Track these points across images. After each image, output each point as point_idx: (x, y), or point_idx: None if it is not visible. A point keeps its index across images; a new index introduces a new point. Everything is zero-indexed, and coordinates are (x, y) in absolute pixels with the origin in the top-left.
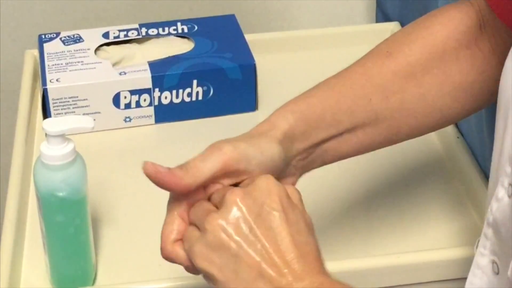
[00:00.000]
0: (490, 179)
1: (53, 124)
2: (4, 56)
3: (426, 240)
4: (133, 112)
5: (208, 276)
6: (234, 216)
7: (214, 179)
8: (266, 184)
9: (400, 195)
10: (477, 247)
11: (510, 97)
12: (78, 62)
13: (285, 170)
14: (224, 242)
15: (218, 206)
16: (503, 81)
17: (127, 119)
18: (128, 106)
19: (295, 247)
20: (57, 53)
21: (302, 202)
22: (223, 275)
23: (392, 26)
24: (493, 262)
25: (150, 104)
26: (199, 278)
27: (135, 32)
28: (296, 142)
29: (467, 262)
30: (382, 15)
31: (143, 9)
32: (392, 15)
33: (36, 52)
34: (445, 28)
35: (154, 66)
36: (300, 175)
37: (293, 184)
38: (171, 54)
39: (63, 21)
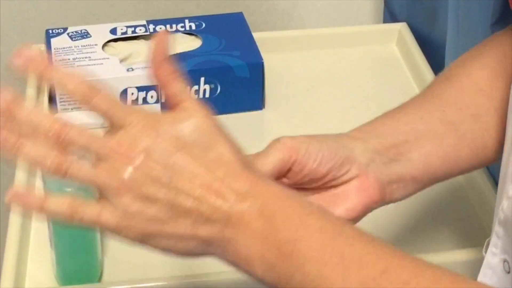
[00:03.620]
0: (500, 177)
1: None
2: (11, 50)
3: (433, 242)
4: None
5: (147, 238)
6: (146, 180)
7: (280, 173)
8: (137, 133)
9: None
10: (486, 249)
11: None
12: (86, 57)
13: (361, 166)
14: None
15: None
16: None
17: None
18: (135, 102)
19: (212, 172)
20: (64, 48)
21: (189, 110)
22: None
23: (400, 27)
24: (504, 261)
25: (157, 101)
26: (206, 276)
27: (143, 29)
28: (376, 140)
29: (474, 264)
30: (390, 15)
31: (150, 6)
32: (399, 16)
33: (42, 47)
34: (497, 50)
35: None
36: (383, 181)
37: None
38: (178, 51)
39: (70, 17)
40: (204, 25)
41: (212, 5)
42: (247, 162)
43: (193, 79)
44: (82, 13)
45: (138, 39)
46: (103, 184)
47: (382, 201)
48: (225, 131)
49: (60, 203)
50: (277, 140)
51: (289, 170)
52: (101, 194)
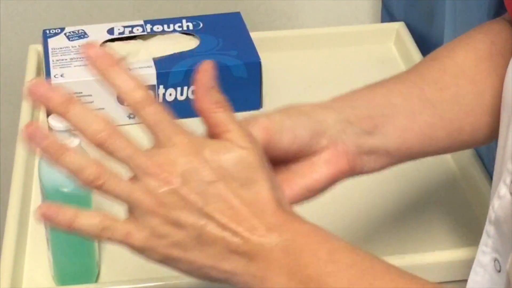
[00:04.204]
0: (494, 177)
1: (59, 120)
2: (8, 51)
3: (430, 241)
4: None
5: (169, 261)
6: (178, 206)
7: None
8: (180, 156)
9: (404, 196)
10: None
11: None
12: (83, 58)
13: (335, 135)
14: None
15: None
16: (507, 80)
17: (131, 116)
18: None
19: (247, 207)
20: (61, 48)
21: (234, 142)
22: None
23: (397, 26)
24: (495, 260)
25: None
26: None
27: (140, 29)
28: (350, 111)
29: (472, 263)
30: (387, 15)
31: (148, 6)
32: (397, 15)
33: (40, 47)
34: (486, 36)
35: (159, 62)
36: (354, 152)
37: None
38: (175, 51)
39: (67, 17)
40: (201, 25)
41: (209, 5)
42: (281, 200)
43: (191, 79)
44: (79, 13)
45: (136, 39)
46: (137, 201)
47: (352, 172)
48: (266, 166)
49: (91, 221)
50: (254, 120)
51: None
52: (130, 212)
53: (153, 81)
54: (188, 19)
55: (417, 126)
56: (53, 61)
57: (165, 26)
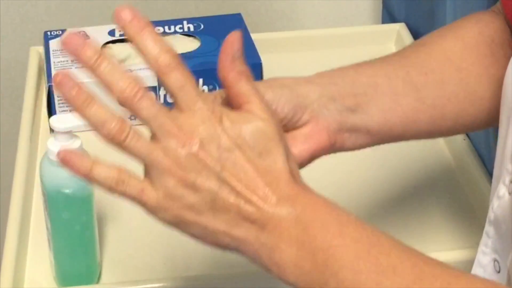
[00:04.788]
0: (493, 177)
1: (60, 121)
2: (9, 52)
3: (430, 242)
4: None
5: (182, 224)
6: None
7: None
8: (201, 121)
9: (405, 196)
10: None
11: None
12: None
13: (316, 110)
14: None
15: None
16: (506, 80)
17: (133, 117)
18: None
19: (262, 176)
20: (63, 50)
21: (248, 112)
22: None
23: (398, 27)
24: (495, 260)
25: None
26: (204, 277)
27: None
28: (334, 88)
29: (472, 264)
30: (388, 16)
31: (149, 7)
32: (398, 16)
33: (41, 49)
34: (475, 26)
35: None
36: (335, 129)
37: (329, 130)
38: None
39: (68, 18)
40: (202, 26)
41: (210, 7)
42: (294, 172)
43: None
44: (80, 14)
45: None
46: (155, 161)
47: (331, 148)
48: (282, 138)
49: (108, 171)
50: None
51: None
52: (147, 172)
53: (154, 82)
54: (189, 20)
55: (400, 108)
56: (54, 62)
57: (166, 27)
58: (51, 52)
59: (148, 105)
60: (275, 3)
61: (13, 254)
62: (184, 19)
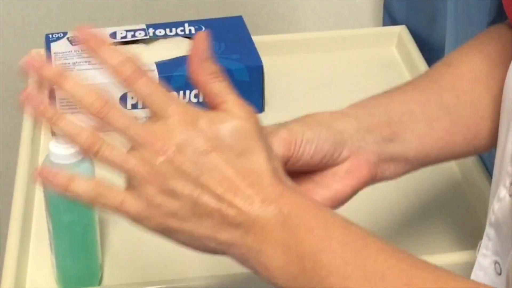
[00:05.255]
0: (493, 180)
1: None
2: (10, 55)
3: (432, 244)
4: (140, 112)
5: (167, 231)
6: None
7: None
8: (175, 126)
9: (406, 198)
10: (478, 250)
11: None
12: (85, 62)
13: (355, 145)
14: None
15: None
16: (507, 83)
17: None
18: (135, 106)
19: (243, 177)
20: (64, 52)
21: (228, 113)
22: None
23: (399, 29)
24: (496, 262)
25: None
26: (205, 279)
27: (142, 33)
28: (369, 119)
29: (473, 266)
30: (389, 18)
31: (150, 10)
32: (399, 18)
33: (42, 51)
34: (498, 41)
35: (162, 66)
36: (374, 161)
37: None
38: (178, 55)
39: (69, 21)
40: (203, 28)
41: (211, 9)
42: (278, 171)
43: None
44: (81, 17)
45: (138, 43)
46: (132, 171)
47: (372, 181)
48: (263, 136)
49: (86, 185)
50: (276, 135)
51: (285, 163)
52: (129, 183)
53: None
54: (190, 23)
55: (435, 132)
56: (55, 65)
57: (167, 30)
58: (52, 54)
59: (118, 117)
60: (276, 6)
61: (15, 256)
62: (186, 21)
